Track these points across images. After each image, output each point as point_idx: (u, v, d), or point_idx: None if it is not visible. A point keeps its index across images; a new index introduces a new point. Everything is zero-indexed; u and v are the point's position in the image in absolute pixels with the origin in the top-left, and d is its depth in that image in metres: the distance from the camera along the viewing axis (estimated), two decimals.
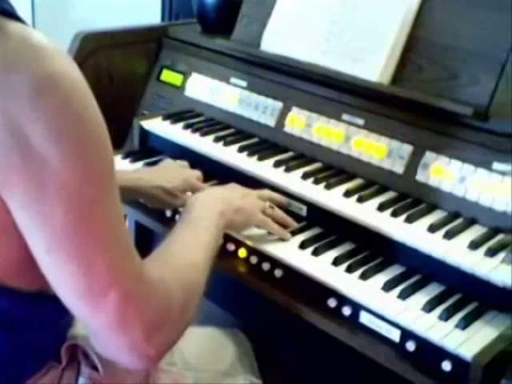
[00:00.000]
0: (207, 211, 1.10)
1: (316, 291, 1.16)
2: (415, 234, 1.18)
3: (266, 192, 1.31)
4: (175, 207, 1.37)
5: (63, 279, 0.80)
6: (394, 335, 1.07)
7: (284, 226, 1.28)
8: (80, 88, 0.78)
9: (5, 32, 0.76)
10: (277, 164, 1.41)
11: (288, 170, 1.39)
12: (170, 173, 1.37)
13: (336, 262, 1.20)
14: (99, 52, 1.68)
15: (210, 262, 1.01)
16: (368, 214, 1.24)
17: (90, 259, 0.79)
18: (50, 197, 0.76)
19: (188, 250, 0.98)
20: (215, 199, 1.15)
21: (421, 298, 1.12)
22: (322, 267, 1.19)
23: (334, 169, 1.41)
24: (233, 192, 1.23)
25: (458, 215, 1.23)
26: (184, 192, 1.35)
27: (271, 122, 1.54)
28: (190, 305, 0.92)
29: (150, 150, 1.63)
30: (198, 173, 1.39)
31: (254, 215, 1.23)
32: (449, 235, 1.16)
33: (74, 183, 0.76)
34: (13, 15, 0.79)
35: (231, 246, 1.29)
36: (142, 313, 0.83)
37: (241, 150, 1.47)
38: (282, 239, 1.27)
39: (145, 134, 1.64)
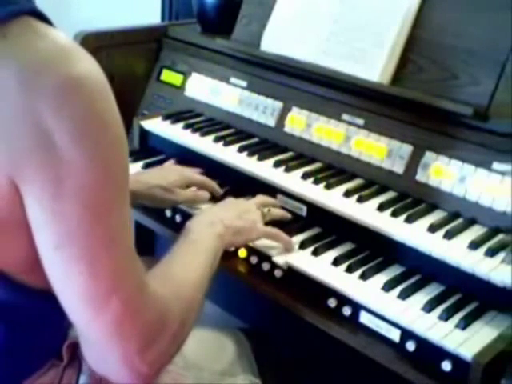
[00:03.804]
0: (206, 235, 1.11)
1: (316, 291, 1.16)
2: (415, 234, 1.18)
3: (260, 198, 1.30)
4: (176, 204, 1.37)
5: (69, 278, 0.79)
6: (394, 335, 1.07)
7: (283, 223, 1.29)
8: (104, 90, 0.80)
9: (37, 33, 0.78)
10: (277, 164, 1.41)
11: (288, 169, 1.39)
12: (166, 170, 1.39)
13: (336, 262, 1.20)
14: (99, 52, 1.67)
15: (207, 283, 1.02)
16: (368, 213, 1.24)
17: (97, 261, 0.79)
18: (68, 195, 0.76)
19: (187, 270, 0.99)
20: (214, 222, 1.15)
21: (421, 298, 1.12)
22: (322, 267, 1.19)
23: (334, 169, 1.41)
24: (231, 211, 1.21)
25: (457, 215, 1.23)
26: (183, 187, 1.36)
27: (271, 122, 1.54)
28: (185, 323, 0.92)
29: (150, 149, 1.63)
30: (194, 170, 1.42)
31: (254, 231, 1.22)
32: (449, 235, 1.16)
33: (93, 184, 0.77)
34: (42, 17, 0.81)
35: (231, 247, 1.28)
36: (140, 323, 0.83)
37: (241, 149, 1.47)
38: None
39: (145, 134, 1.64)
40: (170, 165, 1.49)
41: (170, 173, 1.38)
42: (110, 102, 0.80)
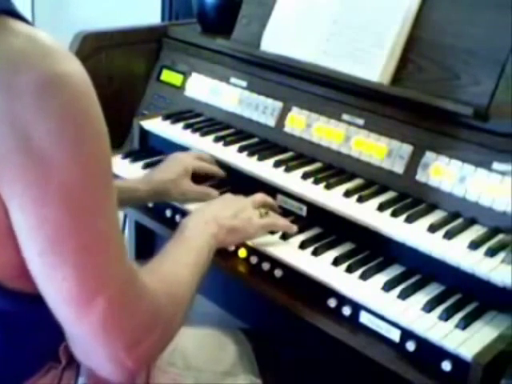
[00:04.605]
0: (200, 233, 1.11)
1: (316, 291, 1.16)
2: (415, 234, 1.18)
3: (259, 197, 1.30)
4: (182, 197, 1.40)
5: (53, 283, 0.78)
6: (394, 335, 1.07)
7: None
8: (85, 89, 0.78)
9: (13, 31, 0.77)
10: (277, 164, 1.41)
11: (288, 169, 1.39)
12: (172, 164, 1.41)
13: (336, 262, 1.20)
14: (99, 52, 1.67)
15: (198, 282, 1.02)
16: (368, 213, 1.24)
17: (82, 265, 0.78)
18: (49, 199, 0.75)
19: (179, 269, 0.99)
20: (208, 220, 1.15)
21: (421, 298, 1.12)
22: (322, 267, 1.19)
23: (334, 169, 1.41)
24: (227, 210, 1.21)
25: (458, 215, 1.23)
26: (190, 175, 1.39)
27: (271, 122, 1.54)
28: (174, 320, 0.91)
29: (150, 150, 1.63)
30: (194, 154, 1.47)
31: (250, 228, 1.22)
32: (449, 235, 1.16)
33: (74, 186, 0.76)
34: (19, 16, 0.79)
35: (231, 246, 1.28)
36: (127, 322, 0.82)
37: (241, 149, 1.47)
38: (283, 239, 1.27)
39: (145, 134, 1.64)
40: (174, 157, 1.47)
41: (175, 166, 1.40)
42: (91, 102, 0.78)
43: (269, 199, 1.31)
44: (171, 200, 1.41)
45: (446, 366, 1.00)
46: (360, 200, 1.27)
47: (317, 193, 1.31)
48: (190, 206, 1.39)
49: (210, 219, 1.16)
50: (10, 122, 0.73)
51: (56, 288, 0.79)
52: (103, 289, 0.79)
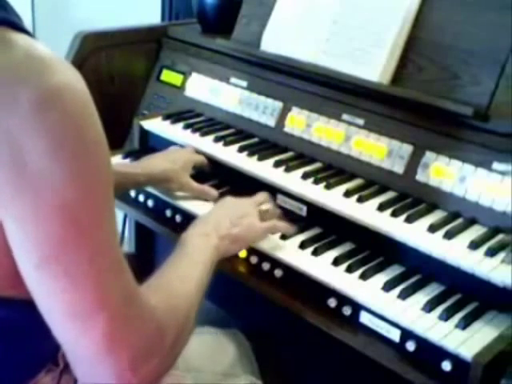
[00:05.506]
0: (202, 246, 1.10)
1: (316, 291, 1.17)
2: (415, 234, 1.18)
3: (260, 196, 1.30)
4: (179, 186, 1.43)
5: (52, 297, 0.77)
6: (394, 335, 1.07)
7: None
8: (83, 101, 0.76)
9: (10, 44, 0.75)
10: (277, 164, 1.41)
11: (288, 169, 1.39)
12: (173, 156, 1.46)
13: (336, 262, 1.20)
14: (99, 52, 1.67)
15: (201, 296, 1.01)
16: (368, 213, 1.24)
17: (82, 276, 0.76)
18: (47, 213, 0.74)
19: (182, 284, 0.97)
20: (209, 233, 1.13)
21: (421, 298, 1.12)
22: (322, 267, 1.19)
23: (334, 169, 1.41)
24: (227, 218, 1.19)
25: (457, 215, 1.23)
26: (187, 168, 1.43)
27: (271, 122, 1.54)
28: (181, 336, 0.89)
29: (150, 150, 1.63)
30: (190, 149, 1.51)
31: (252, 234, 1.22)
32: (449, 235, 1.16)
33: (72, 200, 0.75)
34: (19, 27, 0.78)
35: None
36: (131, 339, 0.80)
37: (241, 149, 1.47)
38: (283, 239, 1.27)
39: (145, 134, 1.65)
40: (174, 150, 1.52)
41: (177, 158, 1.44)
42: (89, 113, 0.77)
43: (268, 200, 1.31)
44: (168, 189, 1.43)
45: (446, 365, 1.00)
46: (360, 200, 1.27)
47: (317, 193, 1.31)
48: (189, 206, 1.40)
49: (211, 231, 1.14)
50: (5, 137, 0.72)
51: (56, 302, 0.77)
52: (105, 302, 0.78)
